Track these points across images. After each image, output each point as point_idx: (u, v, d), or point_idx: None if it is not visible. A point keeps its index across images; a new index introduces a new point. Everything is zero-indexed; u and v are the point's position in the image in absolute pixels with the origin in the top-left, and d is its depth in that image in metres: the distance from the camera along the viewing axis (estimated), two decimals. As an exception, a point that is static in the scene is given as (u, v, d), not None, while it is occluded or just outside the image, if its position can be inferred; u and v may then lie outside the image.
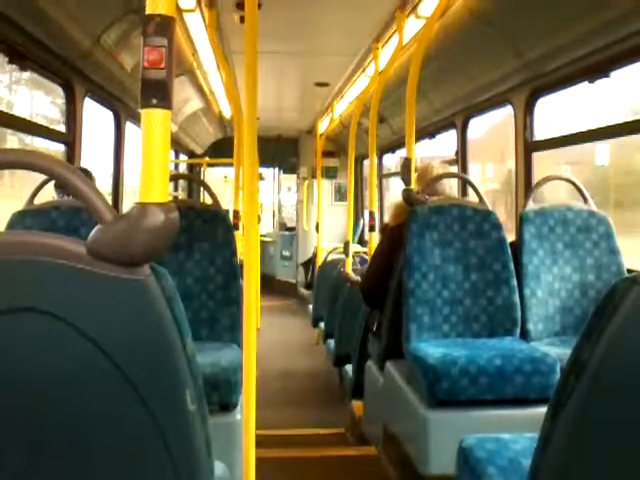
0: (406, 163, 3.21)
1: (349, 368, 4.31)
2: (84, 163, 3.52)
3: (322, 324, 5.69)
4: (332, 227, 8.76)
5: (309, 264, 8.95)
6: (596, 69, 2.94)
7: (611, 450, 1.17)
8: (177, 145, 7.56)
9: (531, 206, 3.18)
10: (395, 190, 7.62)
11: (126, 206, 4.34)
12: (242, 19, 3.61)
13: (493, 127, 5.43)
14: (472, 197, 3.43)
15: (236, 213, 3.98)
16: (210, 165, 9.32)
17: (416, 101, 3.29)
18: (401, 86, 3.63)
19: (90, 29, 3.16)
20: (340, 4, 3.72)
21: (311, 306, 6.39)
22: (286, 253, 10.33)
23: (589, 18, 2.66)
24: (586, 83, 3.07)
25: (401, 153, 6.40)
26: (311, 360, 6.03)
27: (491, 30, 3.27)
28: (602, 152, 4.16)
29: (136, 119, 4.52)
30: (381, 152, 7.05)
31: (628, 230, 3.95)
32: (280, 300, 9.60)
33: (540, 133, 3.64)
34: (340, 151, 9.20)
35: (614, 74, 2.90)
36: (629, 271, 3.15)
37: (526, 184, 3.66)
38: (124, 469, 1.06)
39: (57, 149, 3.56)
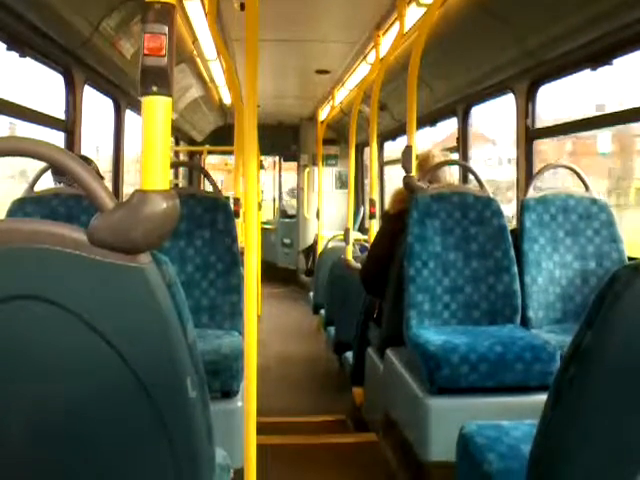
0: (407, 150, 3.20)
1: (349, 355, 4.32)
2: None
3: (322, 311, 5.70)
4: (333, 214, 8.76)
5: (310, 251, 8.95)
6: (598, 56, 2.93)
7: (610, 436, 1.18)
8: (177, 132, 7.54)
9: (532, 194, 3.17)
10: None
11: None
12: (242, 6, 3.58)
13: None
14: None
15: (237, 200, 3.97)
16: (210, 152, 9.29)
17: (417, 89, 3.27)
18: (402, 74, 3.61)
19: (89, 16, 3.14)
20: (341, -9, 3.71)
21: (311, 293, 6.40)
22: (287, 240, 10.32)
23: (591, 5, 2.64)
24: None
25: (402, 141, 6.38)
26: (311, 347, 6.04)
27: (492, 18, 3.25)
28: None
29: (136, 107, 4.51)
30: (382, 139, 7.03)
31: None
32: (281, 287, 9.61)
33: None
34: (341, 139, 9.16)
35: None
36: (630, 259, 3.15)
37: (527, 172, 3.65)
38: (124, 455, 1.07)
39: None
